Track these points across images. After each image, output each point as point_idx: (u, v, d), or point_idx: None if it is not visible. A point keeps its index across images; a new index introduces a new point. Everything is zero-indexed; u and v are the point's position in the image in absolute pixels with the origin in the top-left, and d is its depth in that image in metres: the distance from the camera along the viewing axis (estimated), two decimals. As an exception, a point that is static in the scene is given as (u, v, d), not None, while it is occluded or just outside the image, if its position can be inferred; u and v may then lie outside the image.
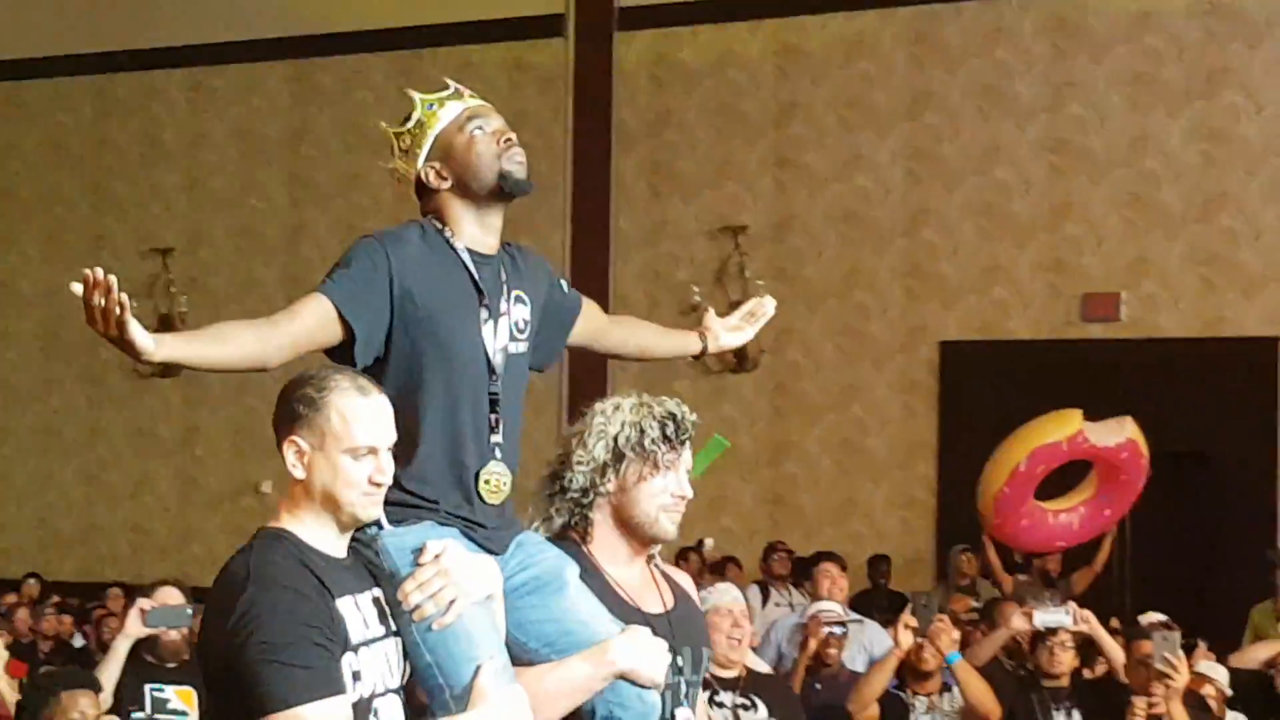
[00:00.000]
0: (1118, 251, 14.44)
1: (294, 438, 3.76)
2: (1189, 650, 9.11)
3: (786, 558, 13.71)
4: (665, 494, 4.43)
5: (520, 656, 4.10)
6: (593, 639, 4.13)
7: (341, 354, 4.07)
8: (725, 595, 7.36)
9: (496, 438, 4.21)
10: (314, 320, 4.01)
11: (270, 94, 17.89)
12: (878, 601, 13.01)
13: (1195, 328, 14.12)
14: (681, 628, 4.43)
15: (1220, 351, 13.91)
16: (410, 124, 4.32)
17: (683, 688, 4.40)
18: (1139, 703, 7.61)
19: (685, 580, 4.71)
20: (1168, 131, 14.29)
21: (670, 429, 4.43)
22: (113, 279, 3.53)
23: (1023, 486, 11.66)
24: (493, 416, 4.21)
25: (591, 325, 4.69)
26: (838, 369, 15.07)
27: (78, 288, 3.53)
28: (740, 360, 15.44)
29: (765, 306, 5.05)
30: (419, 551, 3.96)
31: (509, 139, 4.28)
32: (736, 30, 16.19)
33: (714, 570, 13.60)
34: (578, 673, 4.09)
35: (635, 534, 4.46)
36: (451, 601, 3.89)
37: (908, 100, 15.46)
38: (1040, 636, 8.47)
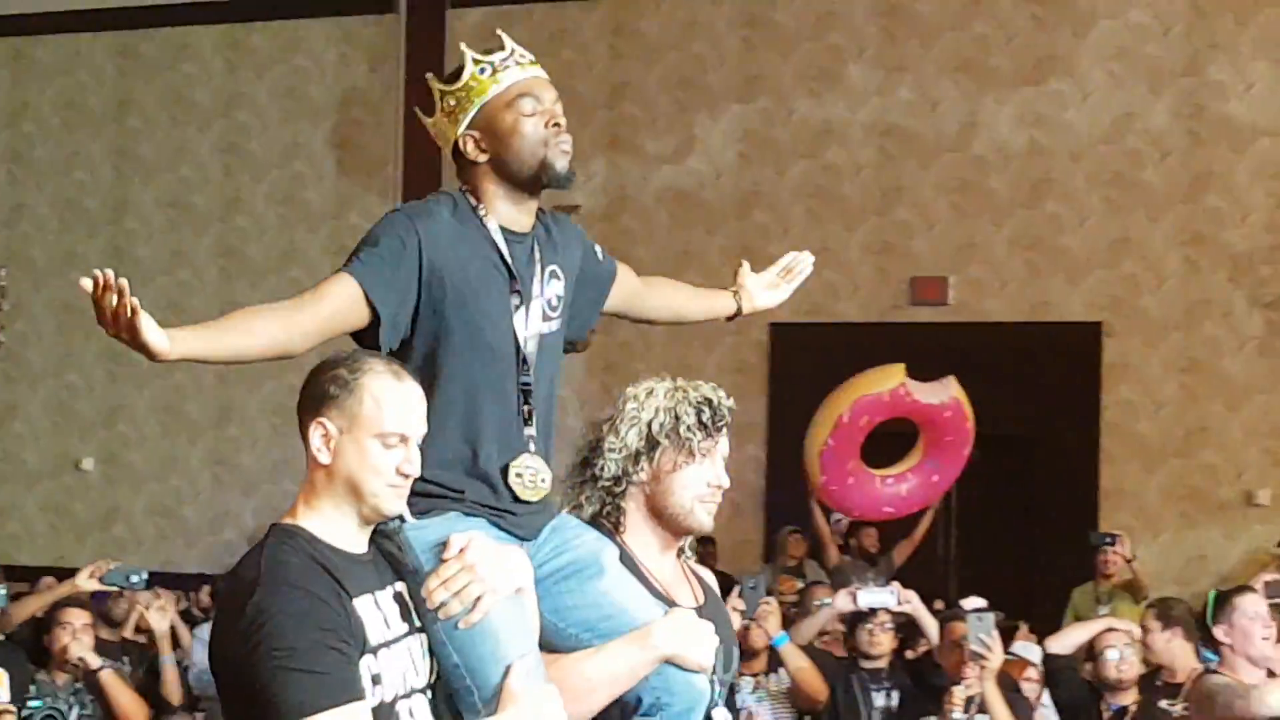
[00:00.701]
0: (946, 236, 14.53)
1: (322, 419, 3.58)
2: (1010, 632, 9.20)
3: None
4: (701, 483, 4.24)
5: (558, 643, 3.93)
6: (634, 623, 3.93)
7: (367, 337, 3.86)
8: None
9: (530, 430, 4.00)
10: (341, 302, 3.79)
11: (95, 66, 17.56)
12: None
13: (1021, 312, 14.24)
14: (714, 625, 4.17)
15: (1045, 336, 14.05)
16: (458, 85, 4.05)
17: (715, 687, 4.14)
18: (956, 693, 7.66)
19: (711, 578, 4.52)
20: (996, 118, 14.39)
21: (706, 415, 4.25)
22: (124, 282, 3.35)
23: (847, 441, 11.75)
24: (525, 408, 4.00)
25: (625, 291, 4.49)
26: (668, 349, 15.04)
27: (87, 284, 3.35)
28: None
29: (803, 263, 4.92)
30: (443, 546, 3.76)
31: (557, 124, 4.05)
32: (570, 10, 16.14)
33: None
34: (621, 658, 3.90)
35: (669, 525, 4.26)
36: (478, 598, 3.69)
37: (740, 82, 15.47)
38: (861, 618, 8.52)
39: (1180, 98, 14.08)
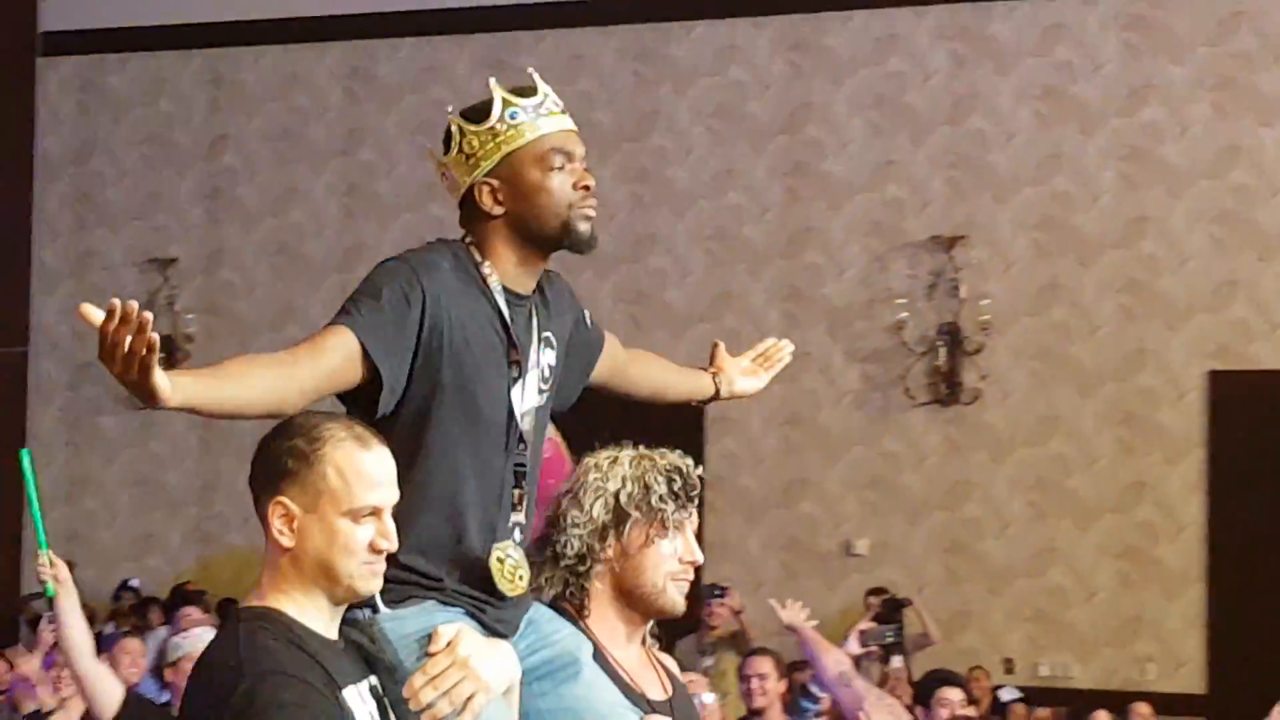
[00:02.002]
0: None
1: (281, 499, 3.21)
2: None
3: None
4: (673, 559, 3.88)
5: None
6: None
7: (360, 398, 3.49)
8: (201, 640, 7.16)
9: (517, 516, 3.69)
10: (339, 358, 3.42)
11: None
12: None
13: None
14: (683, 717, 3.95)
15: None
16: (483, 125, 3.68)
17: None
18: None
19: (674, 665, 4.18)
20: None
21: (678, 484, 3.89)
22: (147, 315, 2.94)
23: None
24: (516, 492, 3.68)
25: (612, 362, 4.16)
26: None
27: (96, 315, 2.94)
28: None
29: (782, 351, 4.58)
30: (425, 639, 3.42)
31: (587, 186, 3.70)
32: (168, 58, 15.81)
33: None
34: None
35: (637, 606, 3.90)
36: (470, 698, 3.35)
37: (342, 134, 15.38)
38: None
39: (779, 155, 14.36)
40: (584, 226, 3.70)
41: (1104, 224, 13.64)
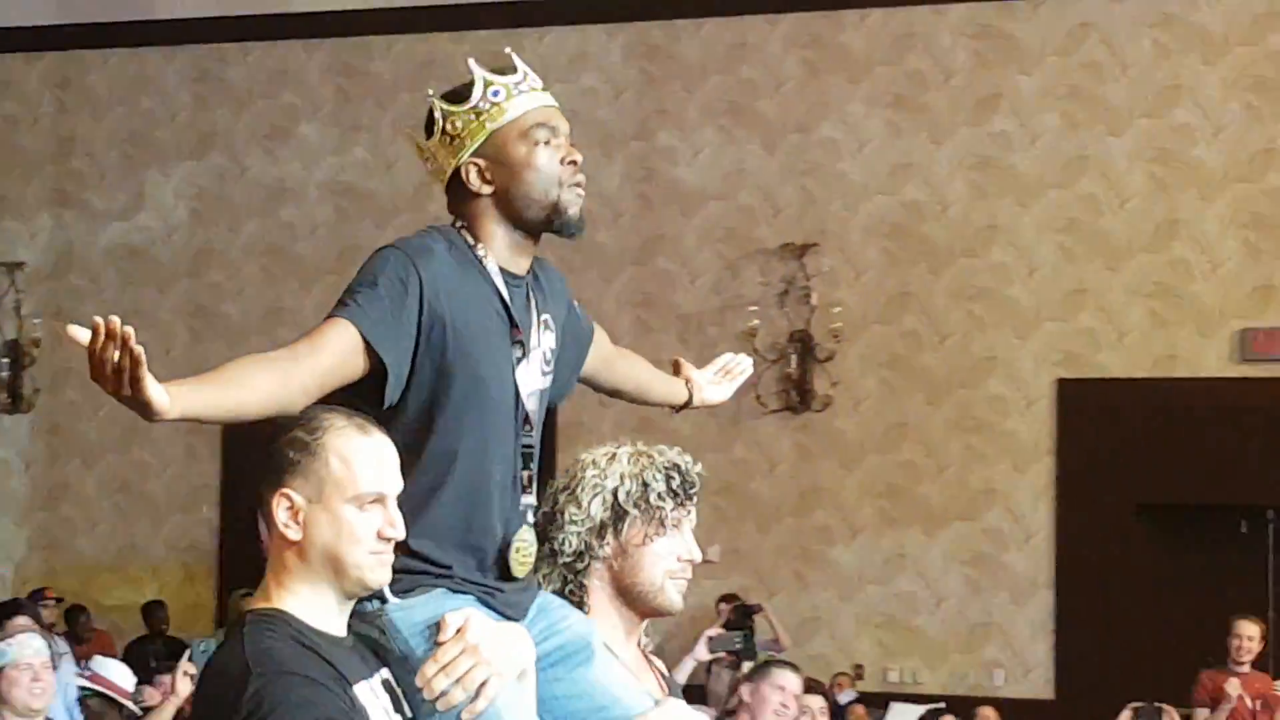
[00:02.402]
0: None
1: (285, 490, 3.16)
2: None
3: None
4: (672, 557, 3.81)
5: None
6: (626, 716, 3.58)
7: (365, 390, 3.40)
8: (26, 648, 7.05)
9: (529, 499, 3.61)
10: (340, 352, 3.33)
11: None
12: (155, 649, 12.66)
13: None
14: None
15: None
16: (466, 106, 3.60)
17: None
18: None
19: (664, 667, 4.13)
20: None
21: (676, 482, 3.82)
22: (129, 329, 2.87)
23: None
24: (525, 474, 3.59)
25: (601, 355, 4.06)
26: (116, 409, 14.59)
27: (82, 335, 2.88)
28: (14, 400, 14.92)
29: (742, 364, 4.47)
30: (435, 627, 3.35)
31: (574, 161, 3.62)
32: (12, 62, 15.63)
33: None
34: None
35: (635, 605, 3.84)
36: (483, 684, 3.29)
37: (192, 138, 15.25)
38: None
39: (632, 162, 14.37)
40: (574, 209, 3.62)
41: (953, 233, 13.74)
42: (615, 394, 4.26)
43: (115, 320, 2.87)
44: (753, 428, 14.00)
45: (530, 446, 3.60)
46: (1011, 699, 12.88)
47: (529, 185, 3.58)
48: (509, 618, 3.51)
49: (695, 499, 3.87)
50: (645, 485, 3.80)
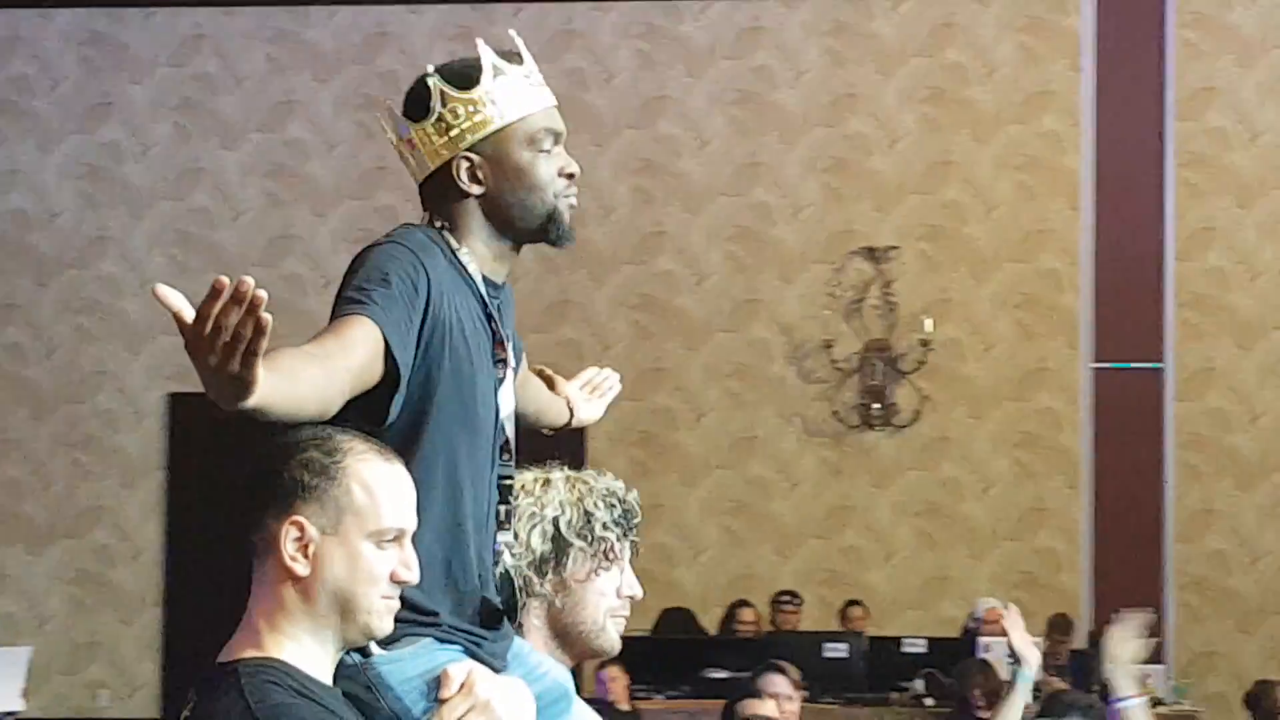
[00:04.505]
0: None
1: (298, 518, 2.77)
2: None
3: None
4: (613, 595, 3.53)
5: None
6: None
7: (371, 402, 2.99)
8: None
9: (505, 535, 3.27)
10: (369, 354, 2.93)
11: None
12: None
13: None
14: None
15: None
16: (470, 94, 3.21)
17: None
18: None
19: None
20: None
21: (618, 511, 3.52)
22: (261, 294, 2.45)
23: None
24: (502, 508, 3.25)
25: (522, 376, 3.59)
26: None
27: (176, 298, 2.47)
28: None
29: (609, 380, 4.00)
30: (430, 683, 3.00)
31: (571, 174, 3.28)
32: None
33: None
34: None
35: (573, 645, 3.55)
36: None
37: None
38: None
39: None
40: (566, 220, 3.32)
41: (64, 243, 13.68)
42: (519, 418, 3.77)
43: (249, 281, 2.46)
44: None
45: (508, 478, 3.31)
46: (116, 720, 12.70)
47: (527, 194, 3.28)
48: (494, 668, 3.22)
49: (635, 531, 3.60)
50: (588, 515, 3.53)
